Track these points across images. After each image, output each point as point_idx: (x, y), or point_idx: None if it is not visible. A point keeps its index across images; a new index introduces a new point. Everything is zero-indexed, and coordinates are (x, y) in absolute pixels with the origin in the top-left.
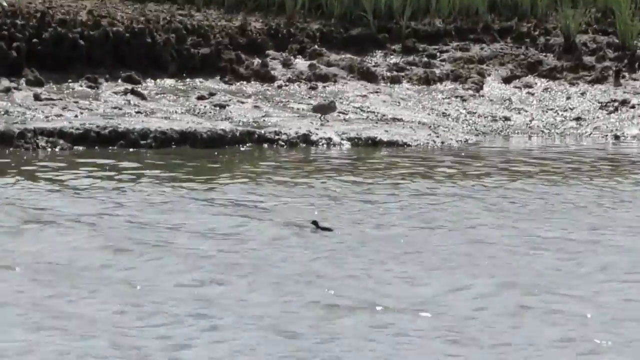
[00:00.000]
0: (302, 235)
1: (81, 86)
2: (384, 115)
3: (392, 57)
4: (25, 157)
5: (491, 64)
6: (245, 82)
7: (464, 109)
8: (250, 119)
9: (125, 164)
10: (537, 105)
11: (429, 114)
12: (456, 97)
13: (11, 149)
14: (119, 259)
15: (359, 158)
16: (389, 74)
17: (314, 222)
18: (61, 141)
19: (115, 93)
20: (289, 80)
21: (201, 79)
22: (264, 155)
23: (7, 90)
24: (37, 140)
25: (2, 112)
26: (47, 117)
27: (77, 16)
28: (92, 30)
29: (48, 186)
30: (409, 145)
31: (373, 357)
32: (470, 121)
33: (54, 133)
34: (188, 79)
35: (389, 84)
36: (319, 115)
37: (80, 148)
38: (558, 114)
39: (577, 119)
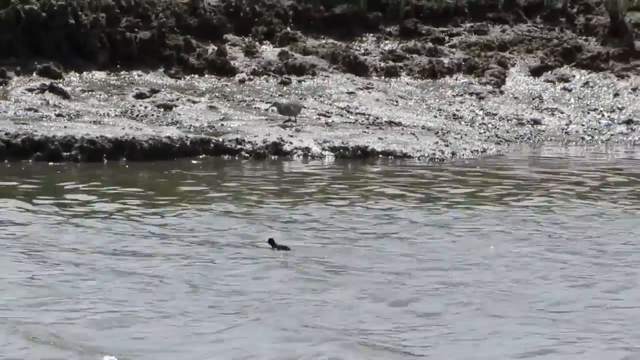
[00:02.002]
0: None
1: None
2: (377, 118)
3: (387, 42)
4: None
5: (515, 50)
6: (197, 76)
7: (481, 109)
8: (205, 123)
9: (41, 184)
10: (575, 104)
11: (435, 117)
12: (471, 94)
13: None
14: None
15: (343, 175)
16: (383, 64)
17: (270, 241)
18: None
19: (29, 90)
20: (254, 73)
21: (140, 72)
22: (222, 172)
23: None
24: None
25: None
26: None
27: None
28: None
29: None
30: (409, 157)
31: None
32: (489, 125)
33: None
34: (123, 72)
35: (383, 77)
36: (285, 117)
37: None
38: (603, 115)
39: (628, 122)
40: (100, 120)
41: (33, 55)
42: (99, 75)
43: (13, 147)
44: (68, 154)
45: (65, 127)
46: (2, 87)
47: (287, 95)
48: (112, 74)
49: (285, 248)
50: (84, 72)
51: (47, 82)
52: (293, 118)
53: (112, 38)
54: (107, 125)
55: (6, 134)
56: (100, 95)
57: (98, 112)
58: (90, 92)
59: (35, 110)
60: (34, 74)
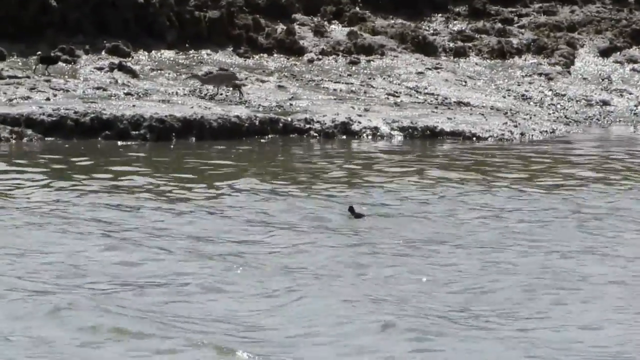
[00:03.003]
0: None
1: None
2: (445, 99)
3: (455, 22)
4: None
5: (584, 31)
6: (266, 55)
7: (550, 90)
8: (273, 102)
9: (110, 164)
10: None
11: (504, 97)
12: (539, 74)
13: None
14: None
15: (416, 154)
16: (451, 44)
17: (350, 209)
18: (29, 131)
19: (98, 69)
20: (323, 53)
21: (209, 51)
22: (291, 152)
23: None
24: None
25: None
26: (10, 100)
27: None
28: None
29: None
30: (478, 138)
31: None
32: (558, 106)
33: (19, 121)
34: (192, 51)
35: (451, 57)
36: (213, 86)
37: (54, 140)
38: None
39: None
40: (169, 99)
41: (101, 34)
42: (168, 54)
43: (82, 126)
44: (137, 132)
45: (134, 105)
46: (70, 65)
47: (356, 75)
48: (180, 53)
49: (361, 216)
50: (153, 51)
51: (116, 60)
52: (216, 90)
53: (181, 17)
54: (175, 104)
55: (75, 112)
56: (169, 74)
57: (167, 91)
58: (159, 71)
59: (104, 89)
60: (103, 53)
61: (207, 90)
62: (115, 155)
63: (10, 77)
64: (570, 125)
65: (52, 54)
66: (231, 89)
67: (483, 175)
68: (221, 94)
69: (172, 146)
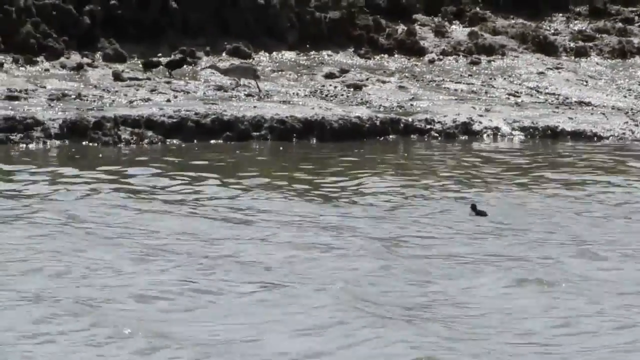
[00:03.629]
0: None
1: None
2: (566, 98)
3: (576, 22)
4: (102, 154)
5: None
6: (386, 56)
7: None
8: (394, 103)
9: (244, 164)
10: None
11: (625, 96)
12: None
13: (85, 142)
14: None
15: (536, 153)
16: (572, 44)
17: (473, 206)
18: (150, 133)
19: (215, 70)
20: (443, 53)
21: (330, 52)
22: (413, 151)
23: (79, 67)
24: (118, 132)
25: (73, 96)
26: (131, 102)
27: None
28: None
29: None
30: (599, 137)
31: None
32: None
33: (140, 122)
34: (313, 52)
35: (572, 57)
36: (236, 78)
37: (175, 142)
38: None
39: None
40: (289, 100)
41: (222, 35)
42: (289, 55)
43: (202, 127)
44: (258, 133)
45: (254, 107)
46: (191, 67)
47: (477, 76)
48: (301, 53)
49: (483, 214)
50: (274, 52)
51: (237, 62)
52: (490, 101)
53: (301, 18)
54: (296, 105)
55: (196, 113)
56: (289, 75)
57: (287, 92)
58: (279, 72)
59: (225, 91)
60: (224, 54)
61: (328, 91)
62: (240, 156)
63: (130, 79)
64: None
65: (178, 57)
66: (251, 81)
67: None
68: (342, 95)
69: (294, 146)
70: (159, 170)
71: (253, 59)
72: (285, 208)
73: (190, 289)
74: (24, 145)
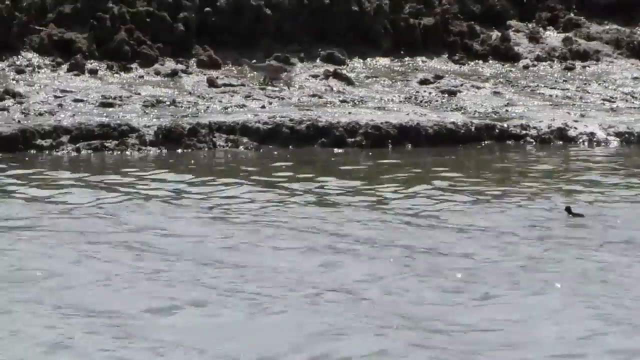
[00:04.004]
0: None
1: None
2: None
3: None
4: (196, 160)
5: None
6: (481, 62)
7: None
8: (489, 108)
9: (328, 174)
10: None
11: None
12: None
13: (180, 150)
14: None
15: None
16: None
17: (567, 208)
18: (245, 139)
19: (314, 76)
20: (538, 59)
21: (424, 58)
22: (509, 156)
23: (174, 74)
24: (213, 138)
25: (168, 103)
26: (225, 108)
27: None
28: None
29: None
30: None
31: None
32: None
33: (235, 129)
34: (407, 58)
35: None
36: (267, 80)
37: (270, 147)
38: None
39: None
40: (384, 106)
41: (316, 41)
42: (383, 61)
43: (297, 133)
44: (352, 139)
45: (349, 113)
46: (286, 73)
47: (571, 81)
48: (395, 60)
49: (580, 215)
50: (368, 59)
51: (331, 68)
52: (583, 106)
53: (395, 24)
54: (391, 111)
55: (291, 120)
56: (384, 81)
57: (382, 98)
58: (374, 78)
59: (319, 97)
60: (318, 61)
61: (423, 97)
62: (337, 162)
63: (225, 85)
64: None
65: (280, 67)
66: (281, 83)
67: None
68: (436, 101)
69: (390, 152)
70: (262, 179)
71: (347, 65)
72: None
73: None
74: (119, 152)
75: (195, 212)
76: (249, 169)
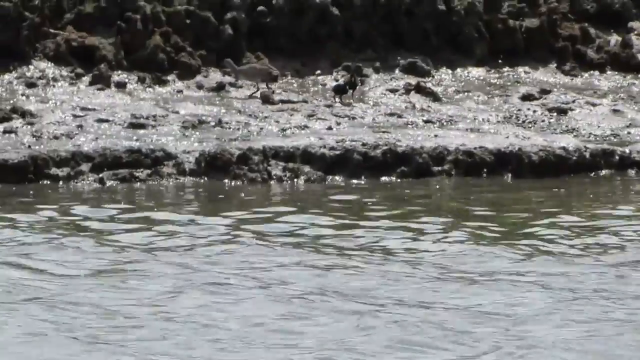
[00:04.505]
0: None
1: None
2: None
3: None
4: (248, 194)
5: None
6: (596, 73)
7: None
8: (607, 130)
9: (414, 212)
10: None
11: None
12: None
13: (227, 180)
14: None
15: None
16: None
17: None
18: (307, 168)
19: (391, 91)
20: None
21: (527, 68)
22: (633, 189)
23: (220, 87)
24: (268, 167)
25: (212, 123)
26: (283, 130)
27: None
28: None
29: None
30: None
31: None
32: None
33: (295, 155)
34: (506, 68)
35: None
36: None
37: (337, 178)
38: None
39: None
40: (478, 128)
41: (394, 48)
42: (476, 72)
43: (371, 160)
44: (439, 168)
45: (435, 135)
46: (357, 87)
47: None
48: (492, 70)
49: None
50: (458, 69)
51: (413, 80)
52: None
53: (491, 27)
54: (487, 133)
55: (363, 144)
56: (477, 96)
57: (475, 117)
58: (465, 93)
59: (399, 116)
60: (397, 71)
61: (526, 116)
62: (421, 197)
63: (283, 101)
64: None
65: (351, 80)
66: (264, 86)
67: None
68: (542, 121)
69: (485, 183)
70: (326, 217)
71: (432, 76)
72: None
73: None
74: (152, 184)
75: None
76: (316, 205)
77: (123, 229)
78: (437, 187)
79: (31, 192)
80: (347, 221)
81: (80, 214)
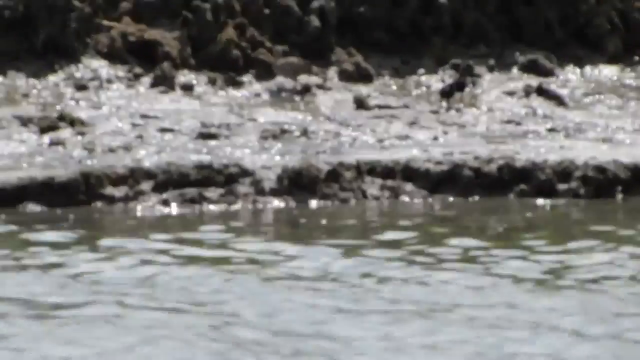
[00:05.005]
0: None
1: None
2: None
3: None
4: (339, 216)
5: None
6: None
7: None
8: None
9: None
10: None
11: None
12: None
13: (315, 200)
14: None
15: None
16: None
17: None
18: (408, 186)
19: (508, 94)
20: None
21: None
22: None
23: (305, 90)
24: (362, 185)
25: (297, 133)
26: (380, 140)
27: None
28: None
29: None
30: None
31: None
32: None
33: (394, 171)
34: None
35: None
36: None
37: (447, 198)
38: None
39: None
40: (611, 137)
41: (511, 43)
42: (608, 71)
43: (485, 177)
44: (565, 186)
45: (561, 147)
46: (468, 89)
47: None
48: (627, 69)
49: None
50: (587, 67)
51: (534, 81)
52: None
53: (627, 17)
54: (621, 144)
55: (475, 157)
56: (611, 100)
57: (608, 125)
58: (596, 96)
59: (517, 123)
60: (514, 70)
61: None
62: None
63: (380, 106)
64: None
65: (460, 81)
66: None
67: None
68: None
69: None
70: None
71: (557, 76)
72: None
73: None
74: (225, 206)
75: None
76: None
77: (201, 266)
78: (570, 208)
79: (83, 216)
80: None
81: (143, 247)
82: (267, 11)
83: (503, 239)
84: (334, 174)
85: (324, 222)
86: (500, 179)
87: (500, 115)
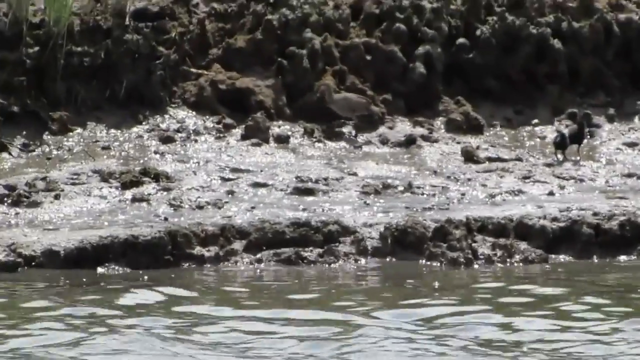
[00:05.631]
0: None
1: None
2: None
3: None
4: (447, 279)
5: None
6: None
7: None
8: None
9: None
10: None
11: None
12: None
13: (420, 260)
14: None
15: None
16: None
17: None
18: (523, 244)
19: (629, 145)
20: None
21: None
22: None
23: (409, 141)
24: (472, 244)
25: (401, 188)
26: (491, 196)
27: None
28: (575, 20)
29: None
30: None
31: None
32: None
33: (507, 228)
34: None
35: None
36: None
37: (561, 258)
38: None
39: None
40: None
41: (633, 90)
42: None
43: (605, 235)
44: None
45: None
46: (586, 140)
47: None
48: None
49: None
50: None
51: None
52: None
53: None
54: None
55: (594, 214)
56: None
57: None
58: None
59: (639, 177)
60: (636, 120)
61: None
62: None
63: (491, 159)
64: None
65: (577, 131)
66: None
67: None
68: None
69: None
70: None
71: None
72: None
73: None
74: (325, 266)
75: None
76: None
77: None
78: None
79: (170, 278)
80: None
81: (241, 314)
82: (368, 57)
83: None
84: (442, 232)
85: (428, 282)
86: (621, 237)
87: (621, 169)
